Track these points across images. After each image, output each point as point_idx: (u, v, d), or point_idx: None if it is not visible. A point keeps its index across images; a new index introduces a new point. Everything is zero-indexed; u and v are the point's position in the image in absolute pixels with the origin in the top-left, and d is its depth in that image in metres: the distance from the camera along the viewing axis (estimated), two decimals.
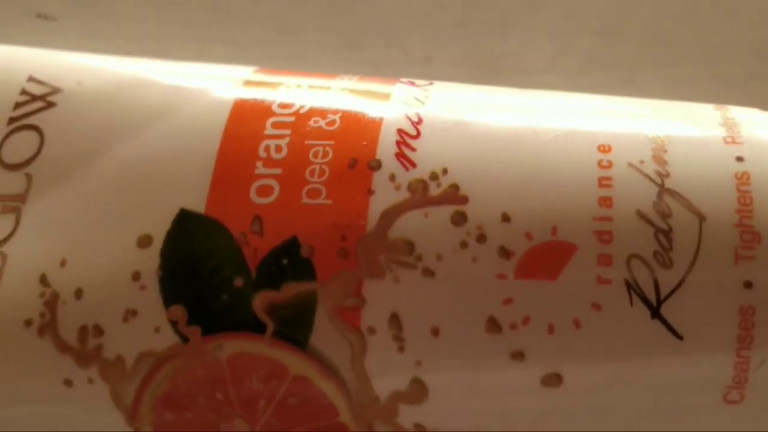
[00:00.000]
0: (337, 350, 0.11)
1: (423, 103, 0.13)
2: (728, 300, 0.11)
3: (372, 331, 0.11)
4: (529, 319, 0.11)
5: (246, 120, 0.13)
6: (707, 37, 0.22)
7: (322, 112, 0.13)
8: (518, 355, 0.11)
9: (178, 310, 0.11)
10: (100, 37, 0.21)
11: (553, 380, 0.11)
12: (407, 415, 0.12)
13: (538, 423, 0.12)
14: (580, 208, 0.11)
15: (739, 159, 0.12)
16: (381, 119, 0.12)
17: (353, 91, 0.13)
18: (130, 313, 0.11)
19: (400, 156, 0.12)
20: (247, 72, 0.14)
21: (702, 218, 0.11)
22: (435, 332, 0.11)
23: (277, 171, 0.12)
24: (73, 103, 0.13)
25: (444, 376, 0.11)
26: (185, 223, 0.12)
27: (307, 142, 0.12)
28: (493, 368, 0.11)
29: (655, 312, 0.11)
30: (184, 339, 0.11)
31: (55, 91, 0.13)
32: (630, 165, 0.12)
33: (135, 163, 0.12)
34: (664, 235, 0.11)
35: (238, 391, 0.12)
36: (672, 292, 0.11)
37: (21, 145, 0.13)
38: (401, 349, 0.11)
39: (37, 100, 0.13)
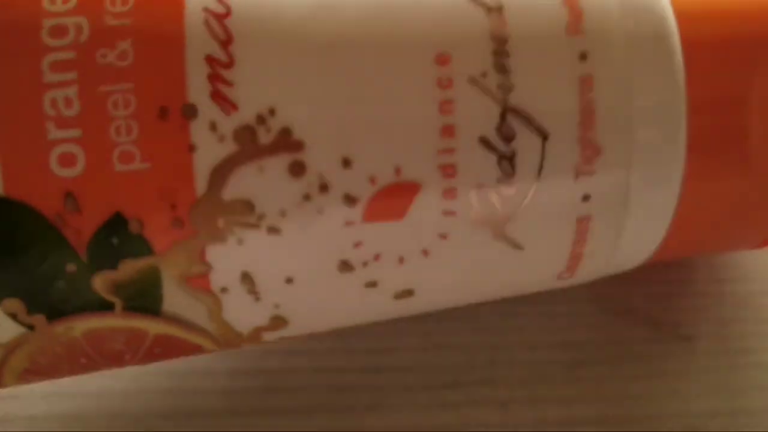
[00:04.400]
0: (193, 311, 0.11)
1: (229, 6, 0.10)
2: (566, 214, 0.11)
3: (225, 290, 0.11)
4: (380, 256, 0.11)
5: (14, 61, 0.10)
6: None
7: (108, 40, 0.10)
8: (372, 284, 0.12)
9: (14, 303, 0.11)
10: None
11: (404, 295, 0.12)
12: (270, 337, 0.12)
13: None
14: (423, 143, 0.11)
15: (583, 57, 0.11)
16: (182, 41, 0.10)
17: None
18: None
19: (216, 96, 0.10)
20: None
21: (545, 136, 0.11)
22: (289, 281, 0.11)
23: (76, 133, 0.10)
24: None
25: (302, 310, 0.12)
26: None
27: (101, 88, 0.10)
28: (348, 297, 0.12)
29: (497, 233, 0.11)
30: (30, 327, 0.11)
31: None
32: (471, 81, 0.11)
33: None
34: (508, 161, 0.11)
35: (101, 354, 0.12)
36: (514, 214, 0.11)
37: None
38: (257, 299, 0.11)
39: None
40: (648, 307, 0.16)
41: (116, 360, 0.12)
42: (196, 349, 0.12)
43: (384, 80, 0.10)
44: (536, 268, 0.12)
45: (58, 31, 0.10)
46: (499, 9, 0.11)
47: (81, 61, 0.10)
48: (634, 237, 0.12)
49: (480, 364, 0.15)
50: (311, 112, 0.10)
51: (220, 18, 0.10)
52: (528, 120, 0.11)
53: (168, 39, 0.10)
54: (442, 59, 0.11)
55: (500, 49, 0.11)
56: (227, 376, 0.15)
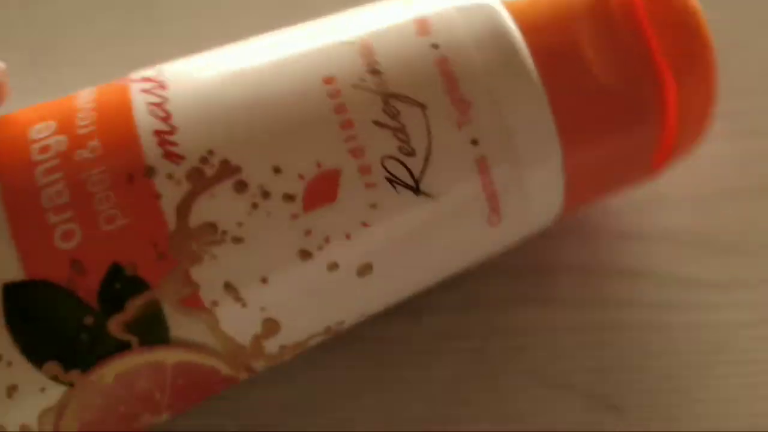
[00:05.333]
0: (196, 330, 0.13)
1: (164, 96, 0.14)
2: (465, 158, 0.14)
3: (215, 303, 0.13)
4: (329, 237, 0.14)
5: (13, 179, 0.13)
6: None
7: (80, 143, 0.13)
8: (333, 266, 0.14)
9: (52, 366, 0.13)
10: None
11: (366, 270, 0.14)
12: (271, 345, 0.14)
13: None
14: (331, 139, 0.13)
15: (435, 47, 0.14)
16: (136, 128, 0.13)
17: (98, 110, 0.14)
18: (12, 389, 0.13)
19: (167, 155, 0.13)
20: None
21: (423, 106, 0.14)
22: (264, 281, 0.13)
23: (69, 214, 0.13)
24: None
25: (285, 307, 0.14)
26: (15, 293, 0.13)
27: (81, 176, 0.13)
28: (319, 284, 0.14)
29: (417, 190, 0.14)
30: (70, 384, 0.13)
31: None
32: (354, 86, 0.14)
33: None
34: (401, 131, 0.14)
35: (134, 396, 0.14)
36: (422, 171, 0.14)
37: None
38: (244, 305, 0.14)
39: None
40: (583, 380, 0.18)
41: (149, 401, 0.14)
42: (215, 375, 0.14)
43: (288, 106, 0.14)
44: (463, 216, 0.14)
45: (44, 149, 0.13)
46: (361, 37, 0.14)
47: (64, 164, 0.13)
48: (534, 168, 0.14)
49: None
50: (240, 142, 0.13)
51: (160, 105, 0.14)
52: (405, 99, 0.14)
53: (123, 129, 0.14)
54: (328, 80, 0.14)
55: (371, 59, 0.14)
56: None
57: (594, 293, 0.20)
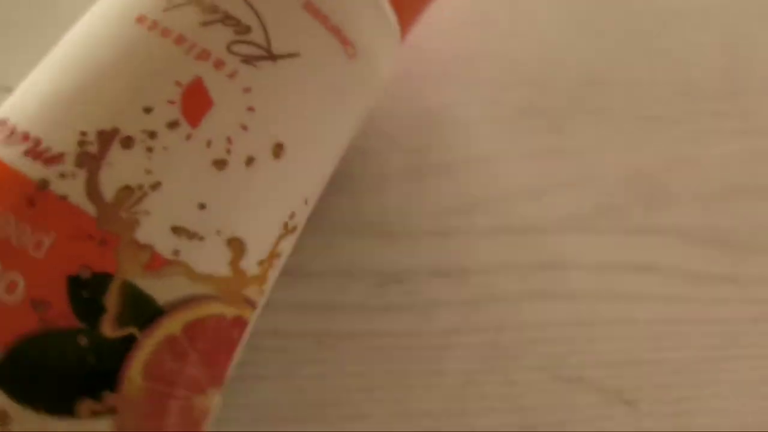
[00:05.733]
0: (177, 285, 0.13)
1: (10, 125, 0.14)
2: (293, 10, 0.15)
3: (176, 252, 0.13)
4: (230, 138, 0.14)
5: None
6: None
7: None
8: (250, 160, 0.14)
9: (86, 404, 0.12)
10: None
11: (279, 151, 0.15)
12: (249, 265, 0.15)
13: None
14: (175, 59, 0.14)
15: None
16: (4, 164, 0.13)
17: None
18: None
19: (47, 162, 0.13)
20: None
21: None
22: (202, 207, 0.14)
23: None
24: None
25: (235, 220, 0.14)
26: (5, 374, 0.12)
27: None
28: (245, 181, 0.14)
29: (272, 57, 0.15)
30: (112, 411, 0.13)
31: None
32: (165, 10, 0.14)
33: None
34: (227, 17, 0.14)
35: (167, 382, 0.13)
36: (266, 39, 0.15)
37: None
38: (201, 239, 0.14)
39: None
40: (595, 374, 0.19)
41: (185, 379, 0.14)
42: (223, 321, 0.14)
43: (120, 56, 0.14)
44: (323, 59, 0.15)
45: None
46: None
47: None
48: None
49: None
50: (100, 109, 0.14)
51: (12, 133, 0.14)
52: None
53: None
54: (140, 19, 0.14)
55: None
56: None
57: (605, 287, 0.20)
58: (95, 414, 0.13)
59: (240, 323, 0.15)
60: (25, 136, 0.14)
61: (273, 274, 0.16)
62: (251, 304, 0.15)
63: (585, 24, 0.23)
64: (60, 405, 0.12)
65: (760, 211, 0.21)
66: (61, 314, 0.13)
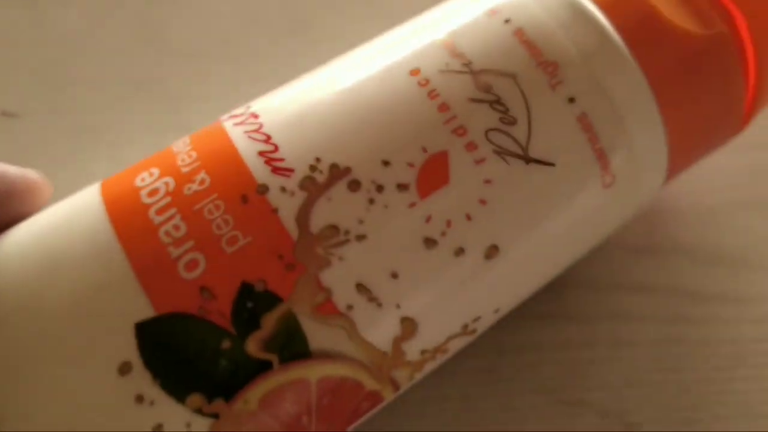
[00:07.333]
0: (335, 338, 0.13)
1: (258, 123, 0.14)
2: (565, 117, 0.14)
3: (350, 307, 0.13)
4: (450, 222, 0.13)
5: (129, 224, 0.13)
6: None
7: (187, 179, 0.14)
8: (460, 251, 0.13)
9: (195, 398, 0.12)
10: (63, 131, 0.22)
11: (492, 252, 0.14)
12: (412, 350, 0.14)
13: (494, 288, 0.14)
14: (431, 124, 0.14)
15: (507, 21, 0.14)
16: (238, 154, 0.14)
17: (198, 149, 0.14)
18: (158, 428, 0.12)
19: (276, 171, 0.13)
20: (95, 186, 0.15)
21: (513, 76, 0.14)
22: (394, 275, 0.13)
23: (189, 244, 0.13)
24: None
25: (420, 302, 0.13)
26: (148, 331, 0.13)
27: (195, 207, 0.13)
28: (446, 270, 0.13)
29: (526, 158, 0.14)
30: (215, 416, 0.12)
31: None
32: (441, 72, 0.14)
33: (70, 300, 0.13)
34: (497, 102, 0.14)
35: (280, 421, 0.13)
36: (528, 138, 0.14)
37: None
38: (379, 305, 0.13)
39: None
40: (597, 396, 0.18)
41: (291, 421, 0.13)
42: (359, 390, 0.13)
43: (383, 102, 0.14)
44: (576, 178, 0.14)
45: (152, 192, 0.14)
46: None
47: (175, 200, 0.13)
48: (634, 121, 0.14)
49: None
50: (344, 145, 0.13)
51: (257, 130, 0.14)
52: (493, 72, 0.14)
53: (227, 157, 0.14)
54: (414, 72, 0.14)
55: (451, 48, 0.14)
56: None
57: (605, 308, 0.19)
58: (199, 411, 0.12)
59: (375, 399, 0.14)
60: (268, 138, 0.14)
61: (430, 367, 0.15)
62: (395, 386, 0.14)
63: None
64: (176, 387, 0.12)
65: (763, 226, 0.21)
66: (220, 311, 0.13)
